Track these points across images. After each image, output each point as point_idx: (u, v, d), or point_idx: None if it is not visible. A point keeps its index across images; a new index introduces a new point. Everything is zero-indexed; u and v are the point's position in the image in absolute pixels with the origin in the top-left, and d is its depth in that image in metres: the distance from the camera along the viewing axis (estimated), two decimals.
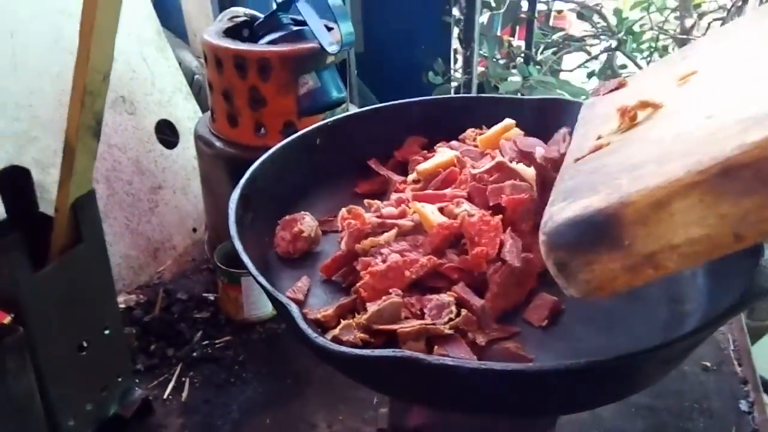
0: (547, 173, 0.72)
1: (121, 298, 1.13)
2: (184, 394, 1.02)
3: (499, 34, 2.95)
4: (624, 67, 2.62)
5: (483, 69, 2.56)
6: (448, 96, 0.82)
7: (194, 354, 1.08)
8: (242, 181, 0.63)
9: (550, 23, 3.07)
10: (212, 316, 1.15)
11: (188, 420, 0.99)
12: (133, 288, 1.18)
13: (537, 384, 0.43)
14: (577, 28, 3.14)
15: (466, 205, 0.64)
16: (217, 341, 1.11)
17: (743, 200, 0.36)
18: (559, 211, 0.43)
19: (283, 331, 1.16)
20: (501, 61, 2.58)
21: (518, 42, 2.83)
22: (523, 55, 2.52)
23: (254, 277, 0.51)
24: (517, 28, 3.00)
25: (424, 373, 0.44)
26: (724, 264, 0.59)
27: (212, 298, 1.19)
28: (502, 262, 0.59)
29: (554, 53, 2.61)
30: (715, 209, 0.37)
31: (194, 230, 1.32)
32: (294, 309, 0.48)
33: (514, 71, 2.16)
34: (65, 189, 0.72)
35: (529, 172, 0.68)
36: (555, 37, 2.78)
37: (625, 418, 1.03)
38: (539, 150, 0.72)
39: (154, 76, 1.23)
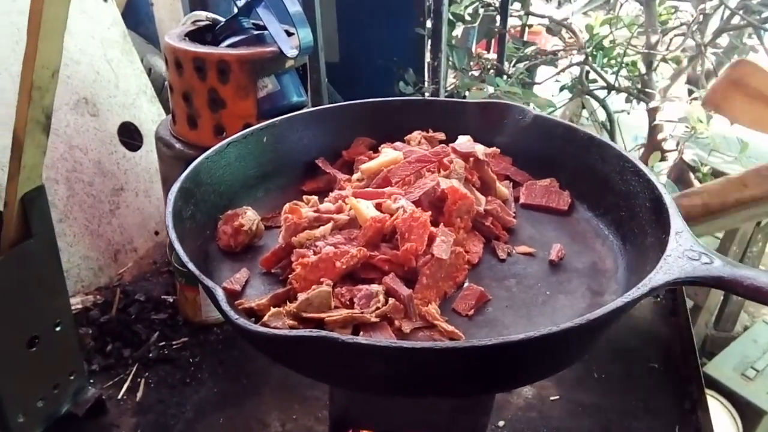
0: (485, 172, 0.75)
1: (78, 299, 1.13)
2: (139, 394, 1.03)
3: (474, 47, 3.02)
4: (594, 81, 2.69)
5: (456, 81, 2.62)
6: (397, 99, 0.84)
7: (150, 355, 1.08)
8: (184, 174, 0.64)
9: (525, 38, 3.14)
10: (170, 317, 1.16)
11: (142, 419, 0.99)
12: (92, 289, 1.19)
13: (441, 362, 0.45)
14: (551, 43, 3.21)
15: (403, 201, 0.66)
16: (173, 342, 1.12)
17: None
18: None
19: None
20: (475, 73, 2.63)
21: (492, 55, 2.89)
22: (494, 67, 2.58)
23: (185, 264, 0.53)
24: (492, 42, 3.07)
25: (339, 353, 0.46)
26: (641, 260, 0.62)
27: (171, 300, 1.19)
28: (431, 255, 0.61)
29: (526, 67, 2.67)
30: None
31: (156, 233, 1.32)
32: (219, 292, 0.49)
33: (483, 84, 2.21)
34: (14, 184, 0.73)
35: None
36: (527, 51, 2.84)
37: (573, 417, 1.05)
38: (479, 147, 0.74)
39: (118, 79, 1.24)
